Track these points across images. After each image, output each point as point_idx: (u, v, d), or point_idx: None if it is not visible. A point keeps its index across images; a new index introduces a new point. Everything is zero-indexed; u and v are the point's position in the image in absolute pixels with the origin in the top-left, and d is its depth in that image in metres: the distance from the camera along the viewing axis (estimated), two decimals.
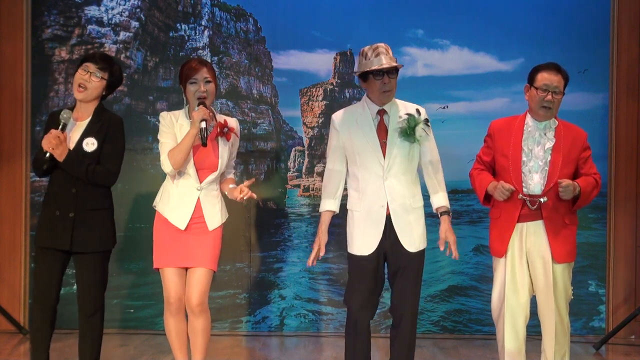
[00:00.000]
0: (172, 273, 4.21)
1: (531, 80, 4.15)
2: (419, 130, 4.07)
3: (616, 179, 6.05)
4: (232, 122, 4.34)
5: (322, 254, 4.18)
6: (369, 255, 4.07)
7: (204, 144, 4.09)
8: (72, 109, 4.26)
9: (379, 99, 4.11)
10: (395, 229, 4.06)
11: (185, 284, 4.23)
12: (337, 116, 4.20)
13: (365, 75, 4.08)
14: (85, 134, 4.19)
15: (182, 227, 4.19)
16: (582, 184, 4.05)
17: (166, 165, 4.18)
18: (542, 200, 4.06)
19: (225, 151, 4.26)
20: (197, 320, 4.23)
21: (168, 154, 4.16)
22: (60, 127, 4.11)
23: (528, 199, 4.07)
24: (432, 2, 6.17)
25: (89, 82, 4.16)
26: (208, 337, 4.29)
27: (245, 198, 4.16)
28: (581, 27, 6.10)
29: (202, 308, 4.21)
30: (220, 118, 4.31)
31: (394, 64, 4.03)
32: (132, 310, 6.16)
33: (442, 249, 4.16)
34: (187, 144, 4.12)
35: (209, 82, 4.19)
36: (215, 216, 4.26)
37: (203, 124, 4.08)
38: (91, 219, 4.19)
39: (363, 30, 6.12)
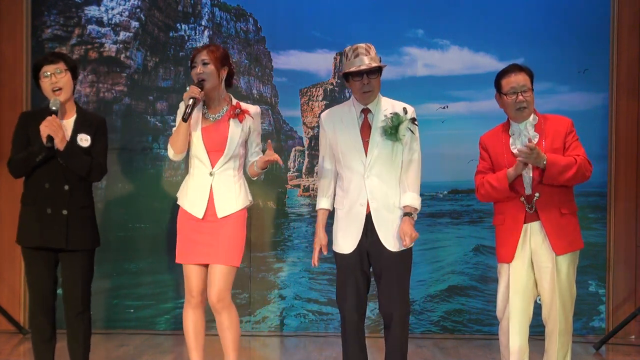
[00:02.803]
0: (193, 269, 4.18)
1: (498, 88, 4.12)
2: (402, 129, 4.04)
3: (616, 179, 6.05)
4: (250, 107, 4.29)
5: (324, 252, 4.18)
6: (349, 253, 4.07)
7: (184, 120, 4.04)
8: (46, 109, 4.18)
9: (360, 99, 4.10)
10: (376, 228, 4.03)
11: (206, 278, 4.19)
12: (324, 115, 4.22)
13: (346, 76, 4.08)
14: (77, 130, 4.18)
15: (200, 215, 4.14)
16: (552, 156, 3.98)
17: (169, 150, 4.18)
18: (535, 196, 4.05)
19: (236, 133, 4.19)
20: (220, 317, 4.20)
21: (170, 139, 4.16)
22: (50, 112, 4.07)
23: (527, 203, 4.06)
24: (432, 2, 6.17)
25: (59, 81, 4.15)
26: (236, 333, 4.24)
27: (270, 160, 4.05)
28: (581, 27, 6.10)
29: (223, 304, 4.17)
30: (234, 102, 4.26)
31: (373, 65, 3.99)
32: (132, 310, 6.16)
33: (405, 245, 4.00)
34: (182, 126, 4.10)
35: (206, 64, 4.13)
36: (228, 202, 4.18)
37: (190, 101, 4.03)
38: (82, 216, 4.19)
39: (363, 31, 6.12)
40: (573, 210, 4.15)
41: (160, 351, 5.55)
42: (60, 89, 4.14)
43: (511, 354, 4.14)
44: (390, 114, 4.07)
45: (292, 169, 6.32)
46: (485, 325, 6.03)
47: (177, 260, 4.24)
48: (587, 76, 6.02)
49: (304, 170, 6.31)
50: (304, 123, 6.30)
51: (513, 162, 4.06)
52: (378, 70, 4.04)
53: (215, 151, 4.17)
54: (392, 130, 4.03)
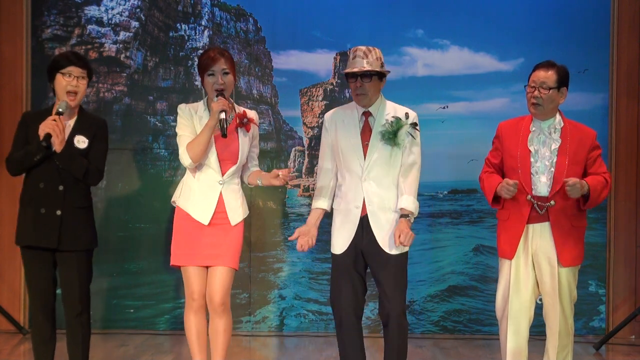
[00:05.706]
0: (194, 271, 4.16)
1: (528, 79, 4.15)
2: (402, 134, 4.03)
3: (616, 179, 6.05)
4: (252, 114, 4.29)
5: (311, 244, 4.11)
6: (342, 253, 4.07)
7: (224, 135, 4.01)
8: (51, 110, 4.19)
9: (355, 101, 4.11)
10: (373, 230, 4.03)
11: (206, 281, 4.18)
12: (328, 115, 4.23)
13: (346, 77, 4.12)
14: (75, 131, 4.16)
15: (206, 222, 4.13)
16: (591, 182, 3.98)
17: (185, 158, 4.11)
18: (551, 203, 4.02)
19: (245, 142, 4.21)
20: (219, 320, 4.17)
21: (187, 146, 4.10)
22: (56, 113, 4.05)
23: (536, 202, 4.04)
24: (432, 2, 6.17)
25: (78, 87, 4.13)
26: (229, 338, 4.22)
27: (283, 181, 4.09)
28: (581, 27, 6.10)
29: (224, 307, 4.16)
30: (239, 109, 4.26)
31: (366, 68, 3.97)
32: (132, 310, 6.16)
33: (396, 244, 3.98)
34: (206, 135, 4.06)
35: (226, 73, 4.13)
36: (237, 210, 4.20)
37: (222, 115, 4.00)
38: (77, 217, 4.16)
39: (363, 30, 6.12)
40: (583, 225, 4.14)
41: (160, 351, 5.55)
42: (76, 93, 4.13)
43: (507, 356, 4.13)
44: (392, 117, 4.07)
45: (292, 169, 6.32)
46: (485, 325, 6.03)
47: (174, 263, 4.19)
48: (587, 76, 6.01)
49: (304, 170, 6.31)
50: (304, 123, 6.30)
51: (525, 155, 4.05)
52: (376, 75, 4.02)
53: (226, 160, 4.17)
54: (391, 135, 4.02)
